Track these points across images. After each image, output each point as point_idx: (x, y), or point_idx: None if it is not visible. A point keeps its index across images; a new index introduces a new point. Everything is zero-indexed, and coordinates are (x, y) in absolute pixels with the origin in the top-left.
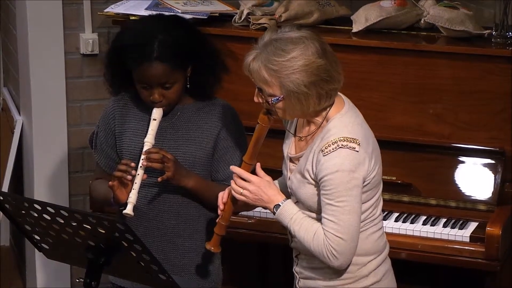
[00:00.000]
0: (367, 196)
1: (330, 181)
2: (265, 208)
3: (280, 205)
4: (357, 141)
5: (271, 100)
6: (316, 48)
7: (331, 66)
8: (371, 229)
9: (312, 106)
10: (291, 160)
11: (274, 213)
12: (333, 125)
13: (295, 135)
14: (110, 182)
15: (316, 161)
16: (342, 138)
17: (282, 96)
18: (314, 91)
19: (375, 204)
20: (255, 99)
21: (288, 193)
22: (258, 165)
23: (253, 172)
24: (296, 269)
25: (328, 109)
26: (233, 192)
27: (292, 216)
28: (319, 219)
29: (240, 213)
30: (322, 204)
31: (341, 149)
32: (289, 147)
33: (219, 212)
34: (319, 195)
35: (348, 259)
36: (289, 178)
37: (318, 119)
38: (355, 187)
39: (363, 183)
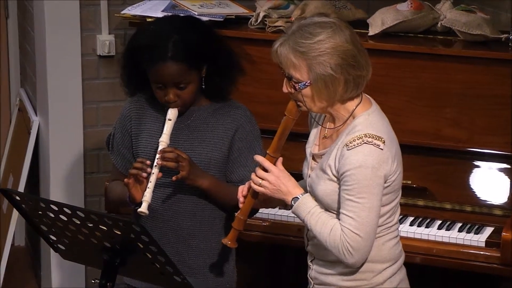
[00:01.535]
0: (385, 200)
1: (352, 176)
2: (283, 200)
3: (298, 198)
4: (382, 139)
5: (299, 86)
6: (344, 34)
7: (359, 53)
8: (387, 236)
9: (339, 92)
10: (313, 158)
11: (291, 206)
12: (359, 121)
13: (322, 125)
14: (125, 180)
15: (340, 155)
16: (368, 134)
17: (309, 81)
18: (341, 76)
19: (392, 211)
20: (284, 89)
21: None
22: (280, 159)
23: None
24: (311, 274)
25: (355, 106)
26: (252, 184)
27: (310, 210)
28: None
29: (254, 216)
30: (341, 200)
31: (366, 144)
32: (312, 146)
33: (239, 205)
34: (337, 193)
35: (363, 257)
36: (309, 176)
37: (344, 114)
38: (376, 185)
39: (385, 182)
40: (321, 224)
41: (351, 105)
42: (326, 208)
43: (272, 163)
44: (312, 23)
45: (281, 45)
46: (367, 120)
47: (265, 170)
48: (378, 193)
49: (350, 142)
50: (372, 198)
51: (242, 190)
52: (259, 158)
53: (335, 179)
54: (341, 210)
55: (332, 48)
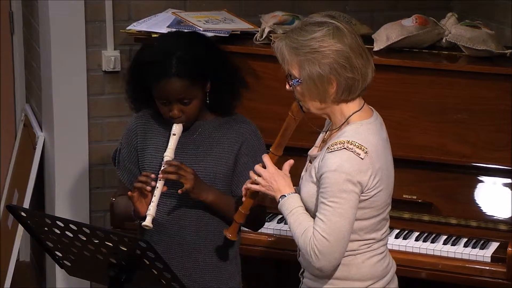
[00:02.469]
0: (363, 214)
1: (327, 179)
2: (273, 198)
3: (285, 196)
4: (365, 150)
5: (292, 83)
6: (342, 35)
7: (354, 56)
8: (368, 253)
9: (330, 93)
10: (310, 159)
11: (278, 203)
12: (349, 129)
13: (325, 132)
14: (129, 192)
15: (322, 157)
16: (351, 142)
17: (300, 78)
18: (331, 76)
19: (373, 227)
20: (286, 87)
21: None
22: (290, 162)
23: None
24: (299, 259)
25: (352, 112)
26: (248, 183)
27: (292, 209)
28: None
29: (259, 231)
30: (318, 201)
31: (345, 150)
32: (313, 148)
33: (243, 198)
34: (316, 196)
35: (330, 262)
36: (302, 178)
37: (340, 119)
38: (351, 192)
39: (361, 192)
40: (298, 224)
41: (347, 110)
42: (308, 211)
43: (274, 161)
44: (312, 22)
45: (279, 41)
46: (357, 129)
47: (264, 166)
48: (352, 199)
49: (331, 145)
50: (345, 204)
51: (246, 184)
52: (263, 155)
53: (316, 181)
54: (316, 213)
55: (324, 47)
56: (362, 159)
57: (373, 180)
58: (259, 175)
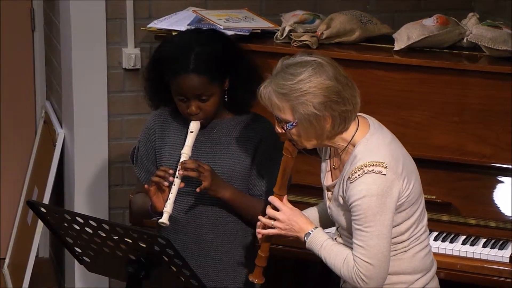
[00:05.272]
0: (406, 214)
1: (358, 206)
2: (296, 238)
3: (310, 233)
4: (384, 164)
5: (286, 127)
6: (326, 71)
7: (343, 89)
8: (417, 247)
9: (326, 129)
10: (328, 189)
11: (304, 242)
12: (359, 150)
13: (329, 159)
14: (146, 186)
15: (346, 188)
16: (367, 163)
17: (295, 121)
18: (326, 113)
19: (417, 221)
20: (277, 129)
21: (329, 219)
22: (285, 197)
23: None
24: (343, 285)
25: (352, 134)
26: (265, 229)
27: (322, 244)
28: None
29: None
30: (353, 229)
31: (367, 174)
32: (325, 177)
33: (259, 240)
34: None
35: (378, 283)
36: (329, 207)
37: (341, 144)
38: (384, 212)
39: (396, 204)
40: (334, 256)
41: (347, 134)
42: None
43: (280, 201)
44: (294, 63)
45: (265, 88)
46: (367, 147)
47: (276, 208)
48: (386, 219)
49: (351, 175)
50: (380, 226)
51: (260, 224)
52: (270, 198)
53: (350, 209)
54: (353, 240)
55: (313, 87)
56: (385, 174)
57: (402, 183)
58: (274, 219)
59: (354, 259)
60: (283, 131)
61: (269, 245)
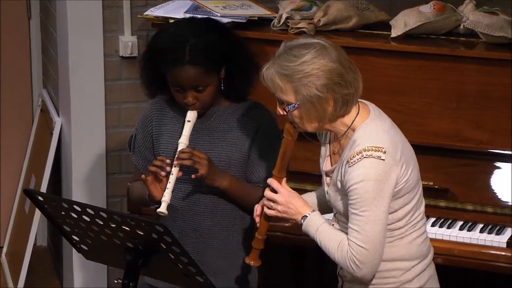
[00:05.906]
0: (403, 201)
1: (355, 190)
2: (293, 220)
3: (307, 216)
4: (383, 149)
5: (288, 108)
6: (329, 53)
7: (346, 72)
8: (414, 234)
9: (329, 111)
10: (327, 174)
11: (301, 225)
12: (359, 135)
13: (329, 143)
14: (143, 175)
15: (344, 172)
16: (366, 148)
17: (297, 103)
18: (328, 95)
19: (414, 208)
20: (277, 111)
21: (326, 205)
22: (284, 180)
23: None
24: (340, 272)
25: (353, 119)
26: (265, 208)
27: (318, 227)
28: None
29: None
30: (349, 213)
31: (365, 159)
32: (324, 162)
33: (256, 224)
34: None
35: (371, 269)
36: (327, 193)
37: (341, 128)
38: (380, 197)
39: (393, 190)
40: (329, 240)
41: (348, 119)
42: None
43: (279, 183)
44: (298, 44)
45: (267, 69)
46: (366, 132)
47: (274, 190)
48: (383, 204)
49: (350, 159)
50: (376, 211)
51: (257, 209)
52: (269, 180)
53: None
54: (349, 224)
55: (316, 69)
56: (384, 159)
57: (400, 169)
58: (273, 201)
59: (348, 244)
60: (285, 113)
61: (266, 227)
